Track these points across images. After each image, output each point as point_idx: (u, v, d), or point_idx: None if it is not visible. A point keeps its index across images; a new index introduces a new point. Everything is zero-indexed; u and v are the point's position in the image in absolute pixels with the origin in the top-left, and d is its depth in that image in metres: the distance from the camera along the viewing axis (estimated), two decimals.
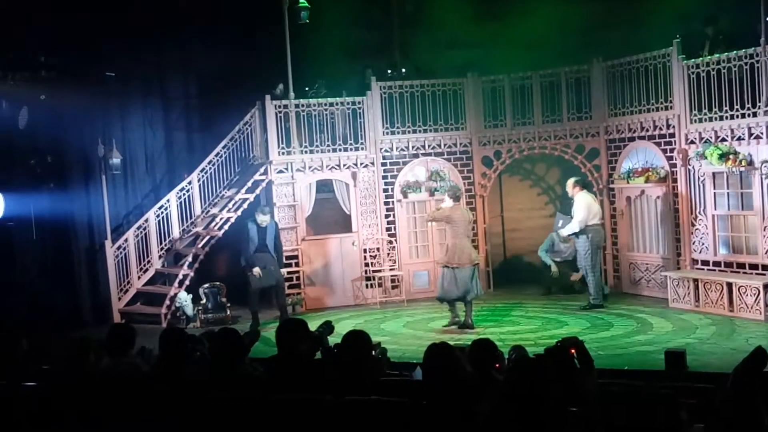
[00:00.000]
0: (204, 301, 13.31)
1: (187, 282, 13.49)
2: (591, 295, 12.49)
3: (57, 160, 13.26)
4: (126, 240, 13.72)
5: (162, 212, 13.92)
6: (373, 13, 15.63)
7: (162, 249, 13.96)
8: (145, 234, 13.84)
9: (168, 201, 13.97)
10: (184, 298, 13.18)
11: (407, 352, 10.30)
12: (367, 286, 14.22)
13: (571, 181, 12.70)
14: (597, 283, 12.47)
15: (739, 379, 4.60)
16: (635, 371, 8.73)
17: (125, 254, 13.71)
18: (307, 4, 13.39)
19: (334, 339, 6.48)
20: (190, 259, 13.57)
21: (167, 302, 13.28)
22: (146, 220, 13.87)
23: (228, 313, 13.23)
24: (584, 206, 12.32)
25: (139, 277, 13.81)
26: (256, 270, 12.40)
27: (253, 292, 12.58)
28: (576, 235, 12.38)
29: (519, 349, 6.72)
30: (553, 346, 5.40)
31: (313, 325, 6.33)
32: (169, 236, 13.97)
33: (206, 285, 13.47)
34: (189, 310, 13.12)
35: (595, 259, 12.46)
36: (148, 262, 13.89)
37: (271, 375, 5.72)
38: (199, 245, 13.60)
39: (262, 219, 12.59)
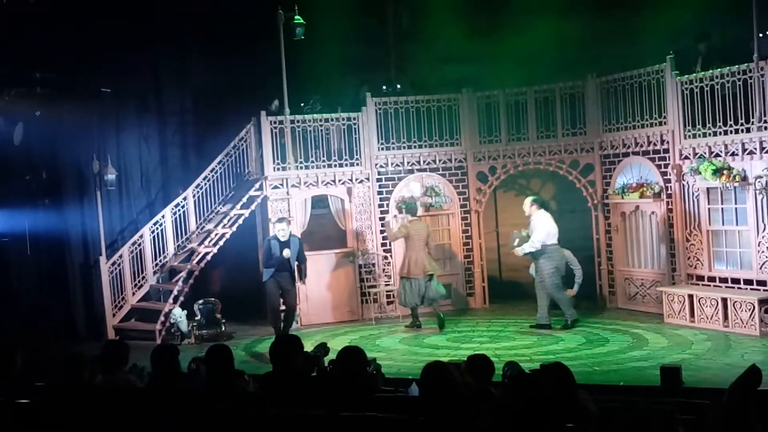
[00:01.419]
0: (199, 317, 13.26)
1: (181, 298, 13.45)
2: (566, 313, 12.34)
3: (52, 176, 13.27)
4: (121, 256, 13.69)
5: (157, 228, 13.90)
6: (369, 29, 15.71)
7: (157, 265, 13.93)
8: (140, 250, 13.81)
9: (163, 217, 13.96)
10: (179, 314, 13.13)
11: (402, 368, 10.29)
12: (362, 301, 14.20)
13: (528, 200, 12.61)
14: (567, 300, 12.32)
15: (734, 396, 4.61)
16: (631, 387, 8.73)
17: (120, 270, 13.67)
18: (302, 21, 13.44)
19: (329, 356, 6.48)
20: (185, 275, 13.54)
21: (162, 318, 13.24)
22: (141, 236, 13.84)
23: (223, 329, 13.19)
24: (541, 226, 12.19)
25: (133, 293, 13.77)
26: (286, 251, 12.08)
27: (272, 310, 12.36)
28: (534, 255, 12.24)
29: (513, 365, 6.71)
30: (550, 363, 5.39)
31: (308, 342, 6.32)
32: (164, 252, 13.95)
33: (201, 301, 13.43)
34: (184, 326, 13.07)
35: (559, 278, 12.30)
36: (143, 278, 13.86)
37: (265, 391, 5.71)
38: (194, 261, 13.57)
39: (281, 228, 12.24)
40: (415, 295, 12.83)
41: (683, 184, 12.57)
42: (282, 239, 12.20)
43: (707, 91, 11.98)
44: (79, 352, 7.74)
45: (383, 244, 14.29)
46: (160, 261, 13.95)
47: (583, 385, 5.36)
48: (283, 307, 12.53)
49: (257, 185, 13.90)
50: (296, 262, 12.35)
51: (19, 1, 11.96)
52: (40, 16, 12.38)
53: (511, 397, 4.15)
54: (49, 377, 6.65)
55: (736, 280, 11.93)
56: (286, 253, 12.10)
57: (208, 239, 13.69)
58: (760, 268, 11.56)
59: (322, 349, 6.68)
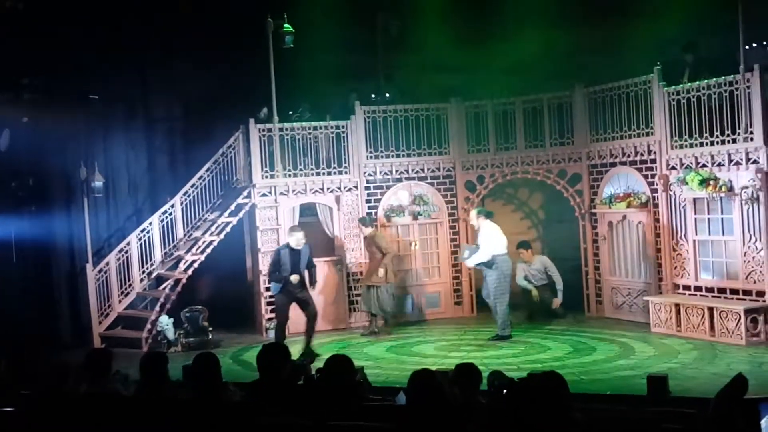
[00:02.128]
0: (186, 325, 13.19)
1: (168, 306, 13.40)
2: (498, 326, 12.29)
3: (38, 183, 13.21)
4: (107, 263, 13.63)
5: (144, 235, 13.85)
6: (358, 37, 15.70)
7: (144, 272, 13.87)
8: (127, 257, 13.76)
9: (150, 224, 13.91)
10: (166, 322, 13.08)
11: (390, 376, 10.27)
12: (350, 309, 14.18)
13: (474, 212, 12.60)
14: (505, 313, 12.28)
15: (721, 405, 4.62)
16: (618, 396, 8.73)
17: (106, 278, 13.61)
18: (291, 29, 13.45)
19: (316, 364, 6.45)
20: (172, 282, 13.49)
21: (148, 326, 13.18)
22: (128, 244, 13.79)
23: (210, 337, 13.11)
24: (489, 236, 12.18)
25: (120, 301, 13.71)
26: (294, 276, 11.60)
27: (279, 325, 11.85)
28: (485, 265, 12.22)
29: (498, 374, 6.70)
30: (539, 372, 5.39)
31: (296, 350, 6.30)
32: (151, 259, 13.89)
33: (188, 309, 13.35)
34: (170, 334, 13.01)
35: (504, 288, 12.25)
36: (130, 285, 13.80)
37: (252, 399, 5.69)
38: (182, 269, 13.52)
39: (297, 238, 11.84)
40: (391, 300, 13.32)
41: (670, 194, 12.62)
42: (296, 248, 11.78)
43: (694, 102, 12.05)
44: (64, 360, 7.70)
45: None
46: (147, 268, 13.89)
47: (572, 394, 5.36)
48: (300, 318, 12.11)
49: (245, 193, 13.87)
50: (306, 269, 11.92)
51: (6, 7, 11.92)
52: (28, 22, 12.34)
53: (500, 405, 4.15)
54: (34, 385, 6.60)
55: (722, 290, 11.98)
56: (294, 278, 11.64)
57: (196, 247, 13.65)
58: (746, 277, 11.62)
59: (309, 356, 6.67)
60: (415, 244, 14.40)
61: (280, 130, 13.89)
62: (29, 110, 12.24)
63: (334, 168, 14.19)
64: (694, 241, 12.37)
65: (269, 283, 12.40)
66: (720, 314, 11.53)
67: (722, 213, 12.00)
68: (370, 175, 14.38)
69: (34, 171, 13.09)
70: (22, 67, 12.38)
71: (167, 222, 13.99)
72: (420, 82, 15.41)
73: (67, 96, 12.97)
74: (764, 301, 11.38)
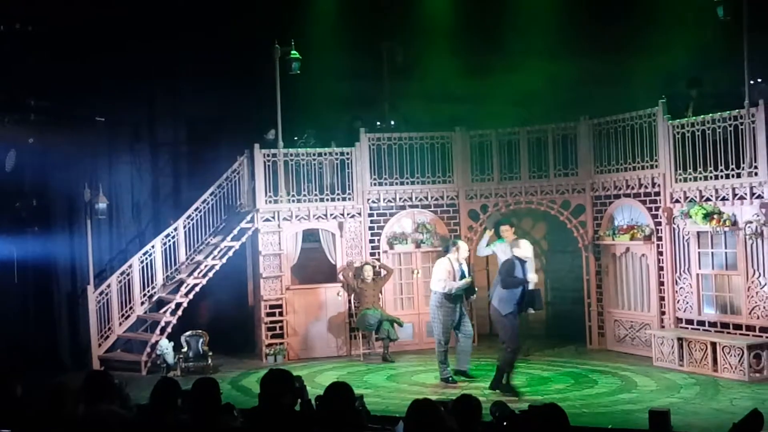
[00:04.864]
0: (185, 349, 13.13)
1: (168, 329, 13.35)
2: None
3: (42, 204, 13.25)
4: (109, 285, 13.61)
5: (146, 258, 13.84)
6: (364, 65, 15.81)
7: (145, 295, 13.84)
8: (128, 280, 13.74)
9: (153, 247, 13.90)
10: (165, 346, 13.01)
11: (390, 405, 10.20)
12: (350, 337, 14.12)
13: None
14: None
15: None
16: (620, 430, 8.67)
17: (107, 300, 13.58)
18: (298, 56, 13.55)
19: (317, 391, 6.40)
20: (173, 306, 13.45)
21: (148, 349, 13.13)
22: (130, 266, 13.77)
23: (209, 362, 13.05)
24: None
25: (120, 324, 13.67)
26: (532, 276, 10.51)
27: (518, 349, 10.88)
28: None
29: (501, 405, 6.64)
30: (539, 405, 5.34)
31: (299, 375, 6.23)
32: (152, 282, 13.86)
33: (188, 333, 13.30)
34: (170, 358, 12.95)
35: None
36: (130, 308, 13.77)
37: (251, 426, 5.64)
38: (183, 292, 13.49)
39: (523, 244, 10.90)
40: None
41: (674, 228, 12.60)
42: (525, 259, 10.69)
43: (699, 135, 12.07)
44: (62, 381, 7.63)
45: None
46: (149, 291, 13.86)
47: (572, 428, 5.31)
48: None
49: (248, 217, 13.88)
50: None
51: (15, 29, 12.02)
52: (36, 45, 12.43)
53: None
54: (32, 407, 6.55)
55: (725, 325, 11.92)
56: (532, 278, 10.64)
57: (198, 270, 13.63)
58: (750, 313, 11.56)
59: (301, 381, 6.56)
60: (417, 272, 14.35)
61: (285, 155, 13.93)
62: (35, 131, 12.31)
63: (338, 194, 14.21)
64: (698, 275, 12.33)
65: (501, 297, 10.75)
66: (723, 349, 11.46)
67: (726, 247, 11.97)
68: (373, 202, 14.39)
69: (38, 192, 13.13)
70: (29, 88, 12.45)
71: (170, 245, 13.98)
72: (425, 111, 15.49)
73: (73, 118, 13.04)
74: (767, 337, 11.32)
